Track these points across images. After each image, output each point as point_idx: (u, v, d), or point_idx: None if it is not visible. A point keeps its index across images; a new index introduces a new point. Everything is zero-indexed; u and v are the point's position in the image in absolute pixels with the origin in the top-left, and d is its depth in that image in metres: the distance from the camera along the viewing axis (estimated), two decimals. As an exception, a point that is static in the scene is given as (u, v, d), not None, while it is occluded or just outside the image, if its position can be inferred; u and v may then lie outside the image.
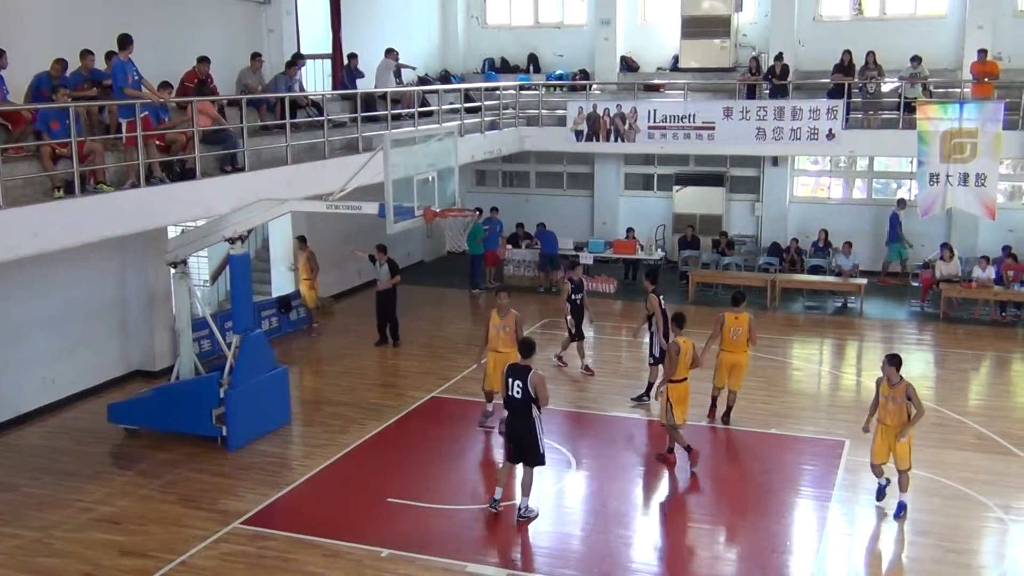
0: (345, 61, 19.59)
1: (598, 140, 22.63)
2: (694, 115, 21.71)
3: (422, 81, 22.94)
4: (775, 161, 23.74)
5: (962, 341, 18.46)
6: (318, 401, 15.36)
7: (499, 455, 13.00)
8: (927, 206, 19.99)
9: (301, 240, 18.82)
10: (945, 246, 20.61)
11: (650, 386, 14.58)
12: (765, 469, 12.74)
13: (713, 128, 21.56)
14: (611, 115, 22.32)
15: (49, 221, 10.95)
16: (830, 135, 20.85)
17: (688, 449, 12.46)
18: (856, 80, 21.39)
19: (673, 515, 11.52)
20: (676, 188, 24.47)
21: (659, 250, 23.26)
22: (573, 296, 16.04)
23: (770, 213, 24.05)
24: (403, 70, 20.57)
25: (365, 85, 19.27)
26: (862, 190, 24.36)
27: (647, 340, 14.99)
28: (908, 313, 20.40)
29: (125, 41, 12.95)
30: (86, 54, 13.24)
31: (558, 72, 25.85)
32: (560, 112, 23.25)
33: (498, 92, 22.65)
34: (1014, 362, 17.50)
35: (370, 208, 12.31)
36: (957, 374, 16.86)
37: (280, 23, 19.22)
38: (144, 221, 12.58)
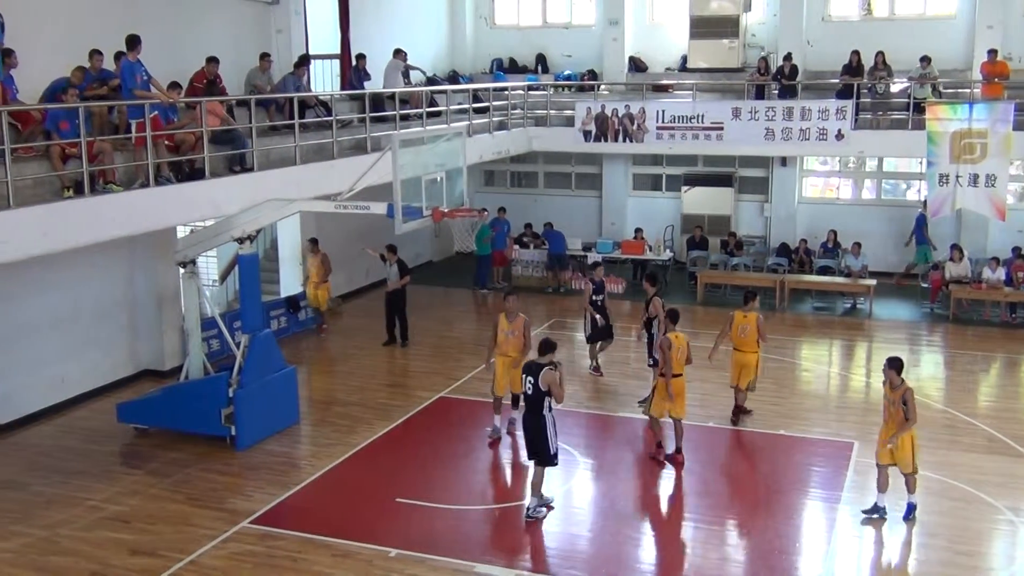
0: (353, 62, 19.60)
1: (606, 140, 22.60)
2: (703, 115, 21.67)
3: (430, 81, 22.94)
4: (784, 161, 23.70)
5: (972, 343, 18.40)
6: (327, 401, 15.37)
7: (508, 455, 13.05)
8: (936, 207, 19.91)
9: (312, 242, 18.73)
10: (955, 247, 20.55)
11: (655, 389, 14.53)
12: (774, 470, 12.72)
13: (722, 128, 21.52)
14: (619, 115, 22.30)
15: (59, 221, 10.98)
16: (839, 135, 20.79)
17: (658, 444, 12.80)
18: (865, 80, 21.33)
19: (681, 516, 11.50)
20: (685, 188, 24.43)
21: (667, 251, 23.22)
22: (594, 297, 15.85)
23: (779, 214, 24.00)
24: (412, 71, 20.57)
25: (373, 86, 19.29)
26: (871, 191, 24.30)
27: (646, 342, 14.88)
28: (918, 314, 20.34)
29: (133, 42, 12.99)
30: (95, 54, 13.26)
31: (566, 72, 25.85)
32: (568, 112, 23.23)
33: (506, 92, 22.64)
34: (1024, 363, 17.46)
35: (378, 208, 12.31)
36: (967, 376, 16.80)
37: (289, 23, 19.24)
38: (153, 221, 12.60)
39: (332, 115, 16.33)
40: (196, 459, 12.81)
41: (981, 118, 19.21)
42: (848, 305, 20.92)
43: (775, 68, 22.44)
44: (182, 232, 15.84)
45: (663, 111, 22.02)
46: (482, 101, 21.55)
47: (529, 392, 10.90)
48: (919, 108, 20.27)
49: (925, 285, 20.90)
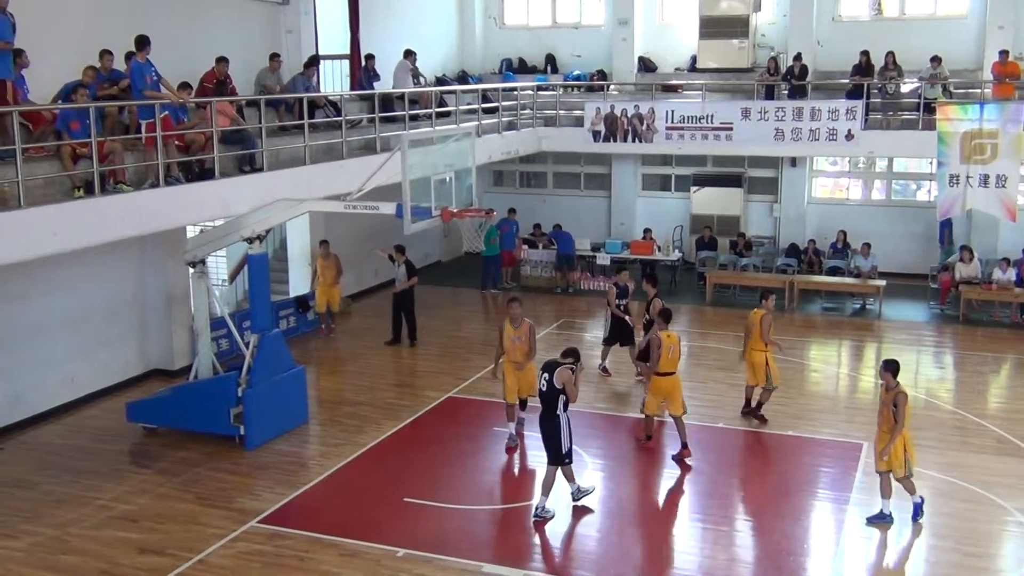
0: (363, 62, 19.63)
1: (615, 141, 22.58)
2: (712, 116, 21.64)
3: (439, 81, 22.97)
4: (793, 162, 23.66)
5: (982, 343, 18.34)
6: (335, 401, 15.40)
7: (516, 456, 13.03)
8: (946, 207, 19.87)
9: (324, 244, 18.60)
10: (965, 248, 20.48)
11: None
12: (782, 471, 12.70)
13: (731, 129, 21.48)
14: (629, 116, 22.28)
15: (69, 221, 11.01)
16: (849, 136, 20.74)
17: (648, 437, 13.16)
18: (875, 81, 21.28)
19: (690, 516, 11.48)
20: (694, 189, 24.40)
21: (677, 251, 23.20)
22: (619, 302, 15.73)
23: (788, 214, 23.95)
24: (419, 78, 20.56)
25: (382, 86, 19.31)
26: (881, 191, 24.25)
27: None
28: (927, 315, 20.28)
29: (142, 42, 13.03)
30: (105, 54, 13.30)
31: (576, 72, 25.84)
32: (578, 113, 23.22)
33: (516, 92, 22.64)
34: (1034, 365, 17.39)
35: (388, 208, 12.32)
36: (977, 377, 16.75)
37: (298, 24, 19.27)
38: (163, 221, 12.63)
39: (342, 115, 16.36)
40: (205, 458, 12.84)
41: (992, 118, 19.17)
42: (857, 306, 20.87)
43: (785, 68, 22.41)
44: (192, 232, 15.88)
45: (672, 111, 21.99)
46: (491, 101, 21.54)
47: (544, 389, 11.00)
48: (929, 108, 20.22)
49: (935, 286, 20.83)
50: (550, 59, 26.39)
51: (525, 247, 23.12)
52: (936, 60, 20.89)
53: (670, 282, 22.47)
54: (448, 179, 12.91)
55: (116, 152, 11.86)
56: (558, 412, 10.95)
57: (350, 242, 19.90)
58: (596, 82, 25.04)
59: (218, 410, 13.16)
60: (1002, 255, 20.59)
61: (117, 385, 15.56)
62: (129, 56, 13.28)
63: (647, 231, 23.26)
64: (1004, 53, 20.34)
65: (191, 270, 14.08)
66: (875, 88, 21.32)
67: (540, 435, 11.23)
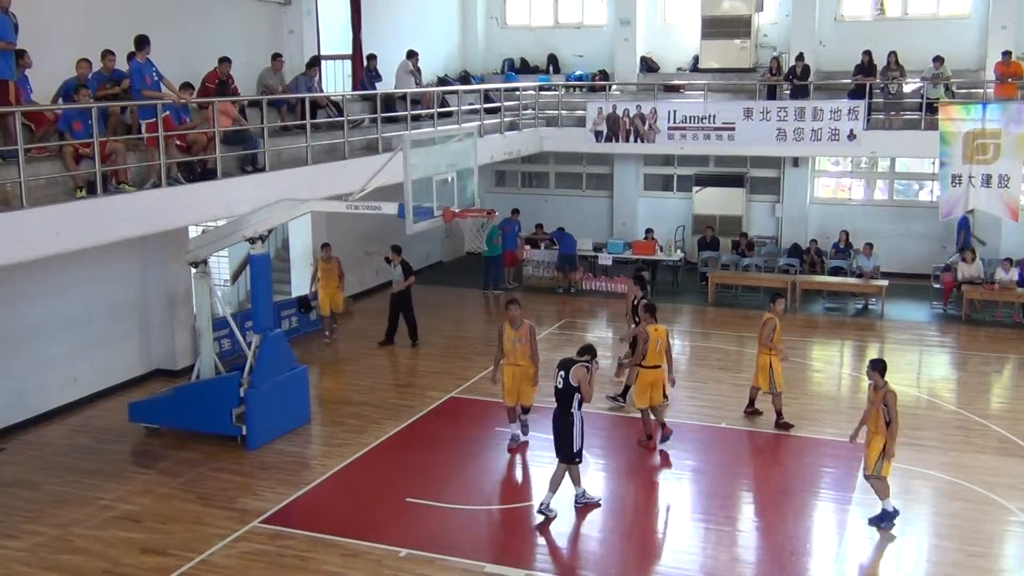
0: (365, 62, 19.63)
1: (618, 141, 22.58)
2: (714, 116, 21.64)
3: (441, 82, 22.97)
4: (795, 162, 23.65)
5: (984, 343, 18.33)
6: (337, 401, 15.40)
7: (518, 456, 13.02)
8: (949, 207, 19.85)
9: (325, 247, 18.35)
10: (967, 248, 20.46)
11: (627, 388, 14.40)
12: (785, 471, 12.70)
13: (733, 129, 21.48)
14: (631, 116, 22.28)
15: (71, 221, 11.02)
16: (851, 136, 20.73)
17: (648, 437, 13.13)
18: (878, 81, 21.27)
19: (692, 516, 11.47)
20: (696, 189, 24.39)
21: (679, 251, 23.19)
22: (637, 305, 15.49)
23: (790, 214, 23.95)
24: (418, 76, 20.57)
25: (384, 87, 19.31)
26: (883, 191, 24.24)
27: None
28: (930, 315, 20.27)
29: (142, 42, 13.05)
30: (107, 54, 13.32)
31: (578, 73, 25.84)
32: (580, 113, 23.23)
33: (518, 93, 22.65)
34: (1037, 365, 17.38)
35: (390, 208, 12.33)
36: (979, 377, 16.74)
37: (301, 24, 19.28)
38: (165, 221, 12.65)
39: (344, 115, 16.36)
40: (207, 459, 12.85)
41: (994, 118, 19.15)
42: (860, 306, 20.85)
43: (787, 68, 22.40)
44: (194, 232, 15.89)
45: (674, 111, 21.99)
46: (493, 101, 21.55)
47: (559, 387, 11.04)
48: (932, 108, 20.22)
49: (937, 286, 20.82)
50: (552, 59, 26.40)
51: (528, 247, 23.11)
52: (938, 60, 20.88)
53: (672, 282, 22.48)
54: (450, 179, 12.91)
55: (118, 152, 11.87)
56: (572, 410, 10.99)
57: (353, 243, 19.90)
58: (598, 82, 25.03)
59: (220, 410, 13.17)
60: (1004, 255, 20.58)
61: (119, 385, 15.57)
62: (131, 56, 13.31)
63: (649, 231, 23.26)
64: (1007, 53, 20.32)
65: (193, 270, 14.10)
66: (877, 88, 21.31)
67: (552, 432, 11.25)
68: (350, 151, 15.92)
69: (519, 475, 12.77)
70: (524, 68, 26.41)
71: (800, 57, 22.06)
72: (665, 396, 13.18)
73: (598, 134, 22.68)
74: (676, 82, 24.53)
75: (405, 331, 18.23)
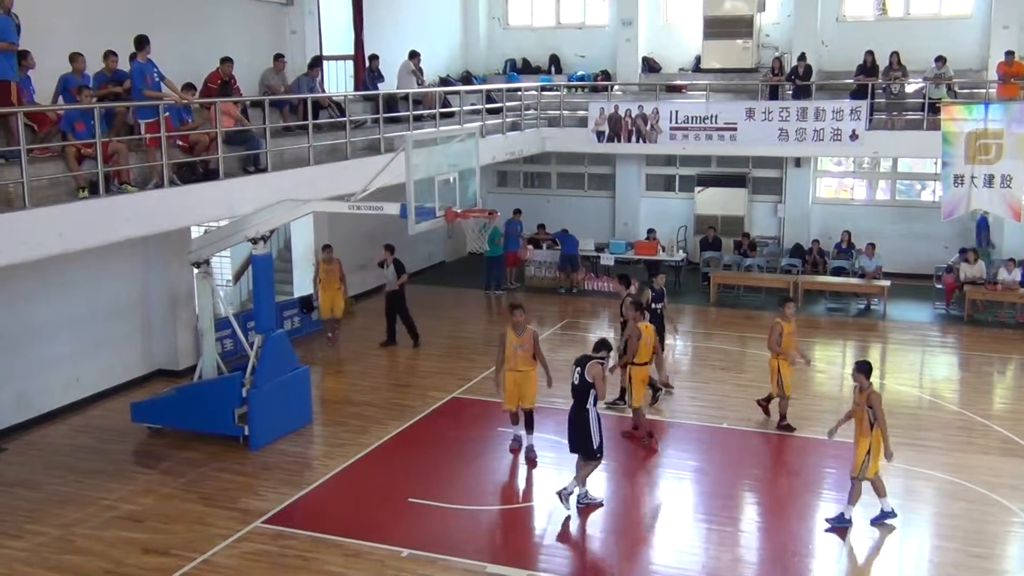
0: (367, 63, 19.64)
1: (619, 141, 22.59)
2: (716, 116, 21.64)
3: (443, 82, 22.97)
4: (797, 162, 23.65)
5: (987, 344, 18.31)
6: (340, 401, 15.41)
7: (521, 457, 13.00)
8: (951, 208, 19.82)
9: (327, 249, 18.15)
10: (970, 248, 20.45)
11: (623, 391, 14.34)
12: (787, 472, 12.69)
13: (735, 129, 21.48)
14: (633, 116, 22.28)
15: (74, 221, 11.04)
16: (853, 136, 20.72)
17: (650, 435, 13.26)
18: (880, 81, 21.26)
19: (694, 517, 11.46)
20: (698, 189, 24.39)
21: (680, 251, 23.19)
22: (654, 305, 15.11)
23: (792, 214, 23.94)
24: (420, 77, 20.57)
25: (386, 87, 19.32)
26: (885, 191, 24.23)
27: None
28: (932, 315, 20.26)
29: (142, 42, 13.07)
30: (109, 55, 13.33)
31: (580, 73, 25.84)
32: (582, 113, 23.23)
33: (520, 93, 22.65)
34: (1039, 365, 17.36)
35: (392, 209, 12.33)
36: (981, 377, 16.73)
37: (303, 24, 19.30)
38: (167, 221, 12.66)
39: (346, 116, 16.37)
40: (209, 459, 12.85)
41: (997, 119, 19.12)
42: (862, 306, 20.84)
43: (789, 68, 22.39)
44: (196, 232, 15.89)
45: (676, 111, 22.00)
46: (495, 102, 21.57)
47: (576, 383, 11.09)
48: (934, 108, 20.21)
49: (939, 286, 20.80)
50: (554, 59, 26.40)
51: (530, 247, 23.12)
52: (941, 60, 20.87)
53: (674, 282, 22.45)
54: (452, 179, 12.92)
55: (120, 153, 11.88)
56: (588, 406, 11.03)
57: (354, 244, 19.90)
58: (600, 82, 25.03)
59: (222, 410, 13.18)
60: (1007, 255, 20.55)
61: (122, 385, 15.59)
62: (132, 57, 13.33)
63: (651, 231, 23.24)
64: (1009, 53, 20.30)
65: (195, 270, 14.11)
66: (879, 88, 21.30)
67: (567, 429, 11.29)
68: (352, 151, 15.92)
69: (521, 475, 12.76)
70: (526, 68, 26.41)
71: (802, 57, 22.06)
72: (669, 386, 13.41)
73: (600, 134, 22.68)
74: (678, 82, 24.51)
75: (402, 331, 18.20)
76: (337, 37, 20.49)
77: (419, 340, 18.15)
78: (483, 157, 15.06)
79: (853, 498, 10.82)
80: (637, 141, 22.43)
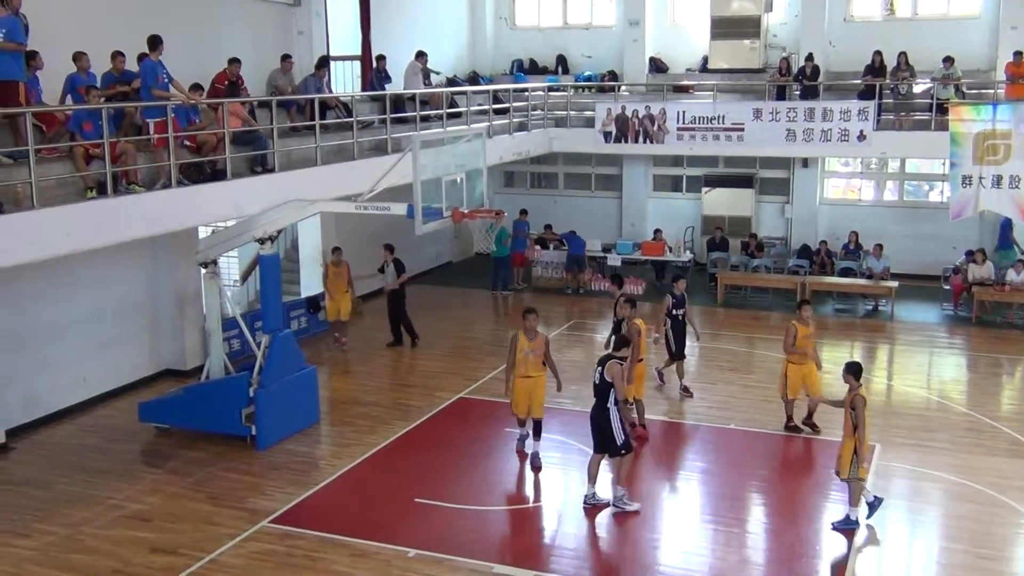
0: (374, 63, 19.66)
1: (627, 141, 22.57)
2: (723, 116, 21.61)
3: (450, 83, 22.98)
4: (805, 163, 23.61)
5: (995, 345, 18.25)
6: (346, 401, 15.42)
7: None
8: (959, 208, 19.77)
9: (336, 251, 18.02)
10: (978, 249, 20.40)
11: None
12: (794, 472, 12.67)
13: (742, 129, 21.44)
14: (640, 116, 22.27)
15: (82, 221, 11.04)
16: (861, 136, 20.68)
17: (632, 426, 12.95)
18: (888, 81, 21.22)
19: (701, 518, 11.45)
20: (705, 190, 24.36)
21: (688, 252, 23.17)
22: (675, 311, 14.93)
23: (800, 215, 23.90)
24: (430, 75, 20.61)
25: (393, 87, 19.33)
26: (893, 192, 24.17)
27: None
28: (940, 316, 20.21)
29: (156, 42, 13.10)
30: (117, 55, 13.37)
31: (587, 73, 25.82)
32: (589, 113, 23.21)
33: (527, 93, 22.64)
34: (1048, 366, 17.30)
35: (399, 209, 12.34)
36: (990, 378, 16.68)
37: (310, 25, 19.33)
38: (175, 221, 12.66)
39: (353, 116, 16.38)
40: (217, 458, 12.87)
41: (1005, 119, 19.07)
42: (870, 307, 20.80)
43: (796, 69, 22.36)
44: (204, 232, 15.92)
45: (683, 112, 21.97)
46: (502, 102, 21.56)
47: (597, 382, 11.14)
48: (942, 109, 20.15)
49: (947, 287, 20.75)
50: (561, 60, 26.39)
51: (538, 248, 23.12)
52: (949, 60, 20.82)
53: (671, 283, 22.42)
54: (459, 180, 12.91)
55: (128, 153, 11.90)
56: (609, 405, 11.04)
57: (361, 244, 19.88)
58: (607, 83, 25.01)
59: (230, 410, 13.20)
60: (1016, 256, 20.48)
61: (129, 385, 15.62)
62: (142, 57, 13.36)
63: (658, 232, 23.22)
64: (1018, 54, 20.22)
65: (203, 270, 14.14)
66: (887, 88, 21.25)
67: (592, 428, 11.30)
68: (359, 152, 15.93)
69: (528, 476, 12.75)
70: (533, 69, 26.41)
71: (810, 57, 22.02)
72: (688, 392, 13.99)
73: (607, 135, 22.67)
74: (685, 83, 24.49)
75: (406, 332, 18.22)
76: (344, 37, 20.51)
77: (418, 339, 18.12)
78: (490, 157, 15.06)
79: (855, 498, 10.80)
80: (644, 141, 22.41)
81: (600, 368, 11.14)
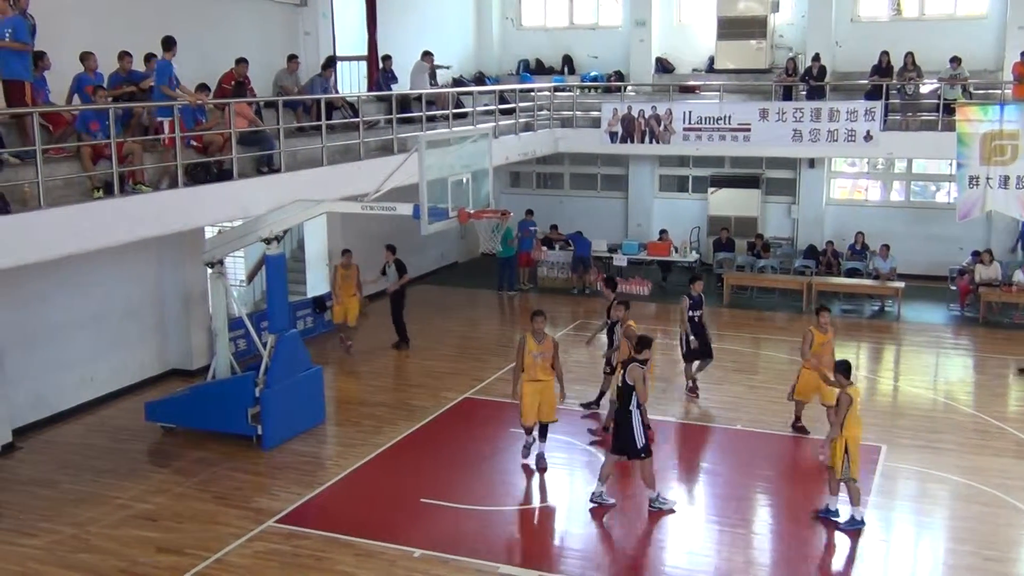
0: (380, 63, 19.67)
1: (633, 142, 22.56)
2: (730, 117, 21.59)
3: (456, 83, 23.00)
4: (811, 163, 23.57)
5: (1002, 346, 18.20)
6: (352, 401, 15.43)
7: (532, 459, 12.96)
8: (966, 209, 19.70)
9: (346, 253, 17.73)
10: (985, 250, 20.35)
11: (601, 394, 14.24)
12: (800, 474, 12.64)
13: (749, 130, 21.42)
14: (646, 116, 22.25)
15: (88, 221, 11.08)
16: (868, 137, 20.64)
17: (606, 429, 13.20)
18: (894, 81, 21.17)
19: (706, 519, 11.43)
20: (711, 190, 24.33)
21: (694, 252, 23.14)
22: (691, 313, 14.80)
23: (806, 215, 23.86)
24: (437, 71, 20.62)
25: (400, 87, 19.35)
26: (900, 192, 24.12)
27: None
28: (947, 317, 20.17)
29: (170, 43, 13.19)
30: (124, 55, 13.40)
31: (593, 73, 25.81)
32: (595, 114, 23.21)
33: (533, 93, 22.65)
34: (1055, 367, 17.23)
35: (405, 209, 12.35)
36: (997, 379, 16.63)
37: (316, 25, 19.34)
38: (182, 221, 12.70)
39: (359, 116, 16.39)
40: (222, 458, 12.89)
41: (1012, 119, 18.99)
42: (876, 308, 20.77)
43: (803, 69, 22.32)
44: (210, 232, 15.94)
45: (690, 112, 21.95)
46: (508, 102, 21.56)
47: (620, 385, 11.17)
48: (949, 109, 20.10)
49: (954, 288, 20.70)
50: (567, 60, 26.39)
51: (544, 248, 23.12)
52: (956, 61, 20.76)
53: (687, 283, 22.39)
54: (465, 180, 12.91)
55: (135, 153, 11.93)
56: (631, 408, 11.03)
57: (367, 244, 19.88)
58: (613, 83, 25.01)
59: (236, 410, 13.21)
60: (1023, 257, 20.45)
61: (135, 385, 15.66)
62: (150, 57, 13.40)
63: (663, 232, 23.20)
64: (1026, 54, 20.21)
65: (209, 270, 14.15)
66: (894, 89, 21.22)
67: (614, 430, 11.35)
68: (365, 152, 15.95)
69: (534, 477, 12.74)
70: (539, 69, 26.41)
71: (816, 58, 21.98)
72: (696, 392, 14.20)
73: (613, 135, 22.66)
74: (691, 83, 24.46)
75: (414, 333, 18.23)
76: (350, 38, 20.53)
77: (408, 344, 18.03)
78: (496, 158, 15.04)
79: (854, 498, 10.79)
80: (650, 142, 22.39)
81: (623, 371, 11.13)
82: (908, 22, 23.53)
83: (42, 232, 10.45)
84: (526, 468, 12.61)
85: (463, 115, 19.43)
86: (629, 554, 10.64)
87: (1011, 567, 10.28)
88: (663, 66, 25.28)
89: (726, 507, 11.60)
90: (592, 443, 13.42)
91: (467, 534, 10.78)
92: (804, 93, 21.83)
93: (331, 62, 18.02)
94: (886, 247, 20.97)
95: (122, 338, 15.46)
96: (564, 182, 26.80)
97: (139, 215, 11.72)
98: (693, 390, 15.18)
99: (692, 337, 14.88)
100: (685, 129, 21.96)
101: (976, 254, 20.39)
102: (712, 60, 24.57)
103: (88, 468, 12.65)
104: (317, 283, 19.92)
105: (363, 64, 20.74)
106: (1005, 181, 19.08)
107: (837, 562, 10.39)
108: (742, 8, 23.79)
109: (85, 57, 12.87)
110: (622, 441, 11.16)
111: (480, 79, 25.41)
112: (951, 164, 21.15)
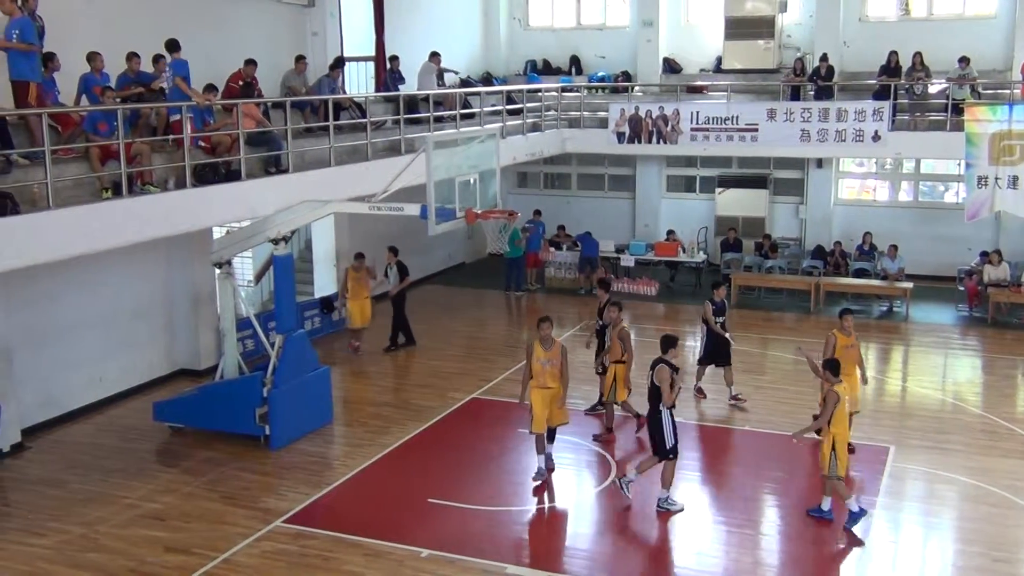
0: (388, 64, 19.69)
1: (640, 142, 22.55)
2: (737, 117, 21.57)
3: (464, 83, 23.01)
4: (819, 163, 23.52)
5: (1010, 346, 18.15)
6: (360, 401, 15.45)
7: (541, 459, 12.94)
8: (974, 209, 19.68)
9: (359, 257, 17.71)
10: (993, 251, 20.29)
11: (601, 395, 14.11)
12: (809, 474, 12.61)
13: (757, 130, 21.39)
14: (653, 117, 22.23)
15: (97, 221, 11.11)
16: (876, 137, 20.60)
17: (609, 429, 13.63)
18: (903, 81, 21.12)
19: (714, 520, 11.42)
20: (719, 190, 24.30)
21: (701, 253, 23.12)
22: (717, 319, 14.79)
23: (814, 216, 23.82)
24: (446, 74, 20.64)
25: (407, 88, 19.37)
26: (908, 193, 24.07)
27: (595, 349, 14.57)
28: (955, 318, 20.11)
29: (175, 45, 13.32)
30: (132, 56, 13.44)
31: (600, 74, 25.79)
32: (602, 114, 23.20)
33: (540, 94, 22.65)
34: (1064, 368, 17.18)
35: (412, 209, 12.36)
36: (1005, 380, 16.57)
37: (324, 26, 19.37)
38: (190, 222, 12.73)
39: (366, 117, 16.41)
40: (230, 458, 12.91)
41: (1021, 119, 18.96)
42: (884, 308, 20.72)
43: (811, 69, 22.28)
44: (218, 233, 15.98)
45: (697, 112, 21.93)
46: (516, 103, 21.57)
47: (649, 386, 11.20)
48: (958, 109, 20.04)
49: (962, 288, 20.65)
50: (575, 60, 26.37)
51: (552, 248, 23.12)
52: (964, 60, 20.70)
53: (694, 284, 22.42)
54: (472, 180, 12.91)
55: (143, 153, 11.96)
56: (660, 408, 11.05)
57: (374, 245, 19.88)
58: (621, 83, 24.99)
59: (243, 410, 13.24)
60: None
61: (144, 385, 15.70)
62: (158, 59, 13.45)
63: (671, 232, 23.19)
64: (1034, 54, 20.17)
65: (217, 271, 14.18)
66: (902, 89, 21.15)
67: (647, 430, 11.44)
68: (373, 152, 15.96)
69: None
70: (547, 69, 26.40)
71: (824, 58, 21.94)
72: (703, 393, 14.50)
73: (620, 135, 22.64)
74: (699, 83, 24.44)
75: (417, 333, 18.26)
76: (358, 38, 20.54)
77: (398, 347, 17.97)
78: (503, 158, 15.05)
79: (840, 494, 10.82)
80: (658, 142, 22.38)
81: (651, 371, 11.14)
82: (916, 22, 23.48)
83: (51, 232, 10.49)
84: (538, 491, 12.04)
85: (470, 115, 19.44)
86: (636, 554, 10.63)
87: (1020, 568, 10.25)
88: (670, 66, 25.26)
89: (734, 507, 11.58)
90: (595, 438, 13.58)
91: (474, 534, 10.79)
92: (812, 93, 21.79)
93: (339, 63, 18.05)
94: (894, 247, 20.92)
95: (131, 338, 15.50)
96: (571, 182, 26.80)
97: (148, 215, 11.75)
98: (700, 391, 15.17)
99: (716, 341, 14.84)
100: (693, 129, 21.94)
101: (984, 254, 20.34)
102: (720, 60, 24.52)
103: (97, 468, 12.68)
104: (325, 283, 19.95)
105: (371, 65, 20.76)
106: (1014, 181, 19.04)
107: (846, 563, 10.36)
108: (750, 8, 23.76)
109: (91, 58, 12.91)
110: (652, 439, 11.23)
111: (487, 79, 25.42)
112: (959, 164, 21.11)
